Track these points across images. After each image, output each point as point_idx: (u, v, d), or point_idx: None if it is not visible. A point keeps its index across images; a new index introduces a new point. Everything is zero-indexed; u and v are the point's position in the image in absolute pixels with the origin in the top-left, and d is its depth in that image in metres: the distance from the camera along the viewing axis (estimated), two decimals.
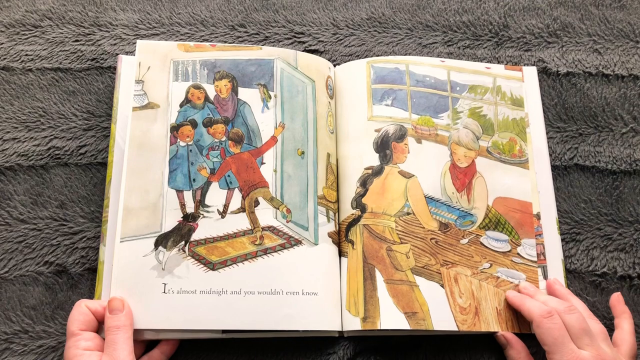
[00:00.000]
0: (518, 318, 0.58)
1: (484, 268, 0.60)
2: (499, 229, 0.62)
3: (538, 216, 0.63)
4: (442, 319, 0.57)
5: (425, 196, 0.62)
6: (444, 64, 0.68)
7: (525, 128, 0.66)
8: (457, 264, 0.60)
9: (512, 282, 0.60)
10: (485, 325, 0.58)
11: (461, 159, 0.64)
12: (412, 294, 0.58)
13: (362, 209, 0.61)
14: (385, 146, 0.63)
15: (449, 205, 0.62)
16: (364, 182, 0.62)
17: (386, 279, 0.58)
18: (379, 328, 0.56)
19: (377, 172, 0.62)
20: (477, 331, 0.58)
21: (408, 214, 0.61)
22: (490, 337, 0.59)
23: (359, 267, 0.59)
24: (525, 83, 0.69)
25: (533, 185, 0.64)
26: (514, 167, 0.65)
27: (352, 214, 0.61)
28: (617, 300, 0.59)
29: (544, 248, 0.62)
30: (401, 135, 0.63)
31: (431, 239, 0.61)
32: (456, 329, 0.57)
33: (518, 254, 0.62)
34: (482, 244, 0.62)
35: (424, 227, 0.61)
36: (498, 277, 0.60)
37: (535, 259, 0.61)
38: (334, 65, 0.69)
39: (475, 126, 0.66)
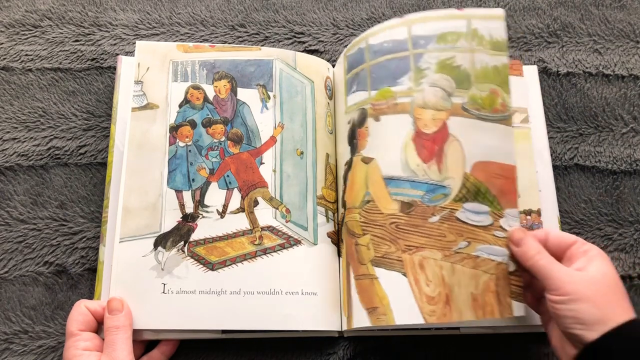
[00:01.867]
0: (499, 303, 0.51)
1: (460, 248, 0.53)
2: (479, 200, 0.54)
3: (539, 213, 0.62)
4: (406, 311, 0.52)
5: (383, 177, 0.56)
6: (403, 20, 0.58)
7: (508, 77, 0.55)
8: (424, 247, 0.53)
9: (494, 261, 0.52)
10: (457, 315, 0.51)
11: (428, 123, 0.56)
12: (373, 288, 0.54)
13: (344, 206, 0.60)
14: (353, 136, 0.59)
15: (413, 181, 0.55)
16: (344, 179, 0.61)
17: (355, 276, 0.56)
18: (353, 327, 0.55)
19: (349, 165, 0.60)
20: (447, 323, 0.52)
21: (368, 202, 0.56)
22: (491, 336, 0.59)
23: (344, 266, 0.58)
24: (526, 83, 0.68)
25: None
26: (495, 125, 0.54)
27: (342, 213, 0.60)
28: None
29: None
30: (362, 120, 0.58)
31: (391, 223, 0.55)
32: (423, 321, 0.51)
33: (500, 226, 0.53)
34: (458, 219, 0.54)
35: (382, 213, 0.55)
36: (477, 257, 0.52)
37: None
38: (333, 66, 0.69)
39: (445, 81, 0.56)
